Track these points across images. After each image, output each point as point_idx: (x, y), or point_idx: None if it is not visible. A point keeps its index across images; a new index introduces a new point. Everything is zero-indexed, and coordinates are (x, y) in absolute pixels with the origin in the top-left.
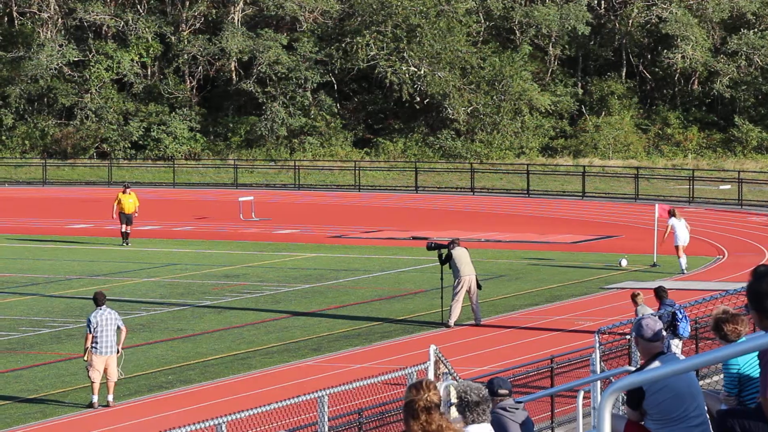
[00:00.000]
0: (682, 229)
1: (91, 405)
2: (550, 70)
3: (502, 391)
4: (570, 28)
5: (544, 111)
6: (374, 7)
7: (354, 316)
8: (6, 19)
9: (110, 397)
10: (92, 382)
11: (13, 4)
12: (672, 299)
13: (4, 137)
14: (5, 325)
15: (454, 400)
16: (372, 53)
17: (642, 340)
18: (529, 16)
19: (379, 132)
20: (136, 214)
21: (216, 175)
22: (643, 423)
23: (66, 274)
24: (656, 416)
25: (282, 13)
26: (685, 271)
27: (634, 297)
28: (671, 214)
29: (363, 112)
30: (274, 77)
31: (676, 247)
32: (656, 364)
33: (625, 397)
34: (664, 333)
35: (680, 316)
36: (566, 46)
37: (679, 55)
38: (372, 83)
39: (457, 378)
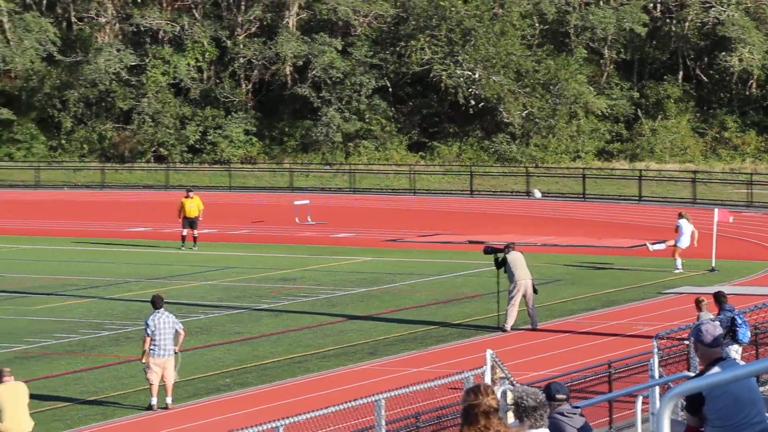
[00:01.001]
0: (687, 233)
1: (150, 407)
2: (606, 74)
3: (559, 396)
4: (626, 30)
5: (599, 114)
6: (428, 11)
7: (410, 319)
8: (65, 24)
9: (169, 400)
10: (150, 385)
11: (72, 10)
12: (731, 304)
13: (63, 141)
14: (66, 327)
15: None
16: (426, 57)
17: (701, 346)
18: (585, 19)
19: (434, 136)
20: (200, 218)
21: (272, 179)
22: (702, 429)
23: (125, 277)
24: (716, 422)
25: (335, 17)
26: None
27: (698, 302)
28: (681, 216)
29: (418, 116)
30: (328, 81)
31: (676, 247)
32: (716, 369)
33: (684, 403)
34: (724, 338)
35: (739, 322)
36: (622, 49)
37: (736, 58)
38: (427, 87)
39: (514, 382)
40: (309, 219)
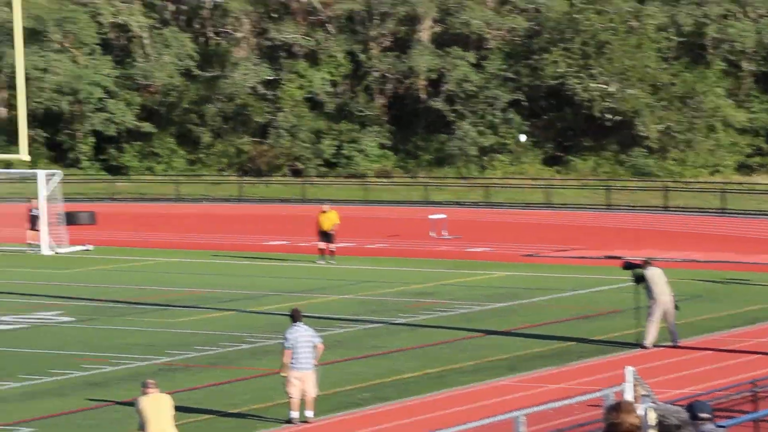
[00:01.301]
0: None
1: (289, 421)
2: (745, 86)
3: (703, 415)
4: (766, 43)
5: (739, 128)
6: (562, 24)
7: (547, 335)
8: (202, 39)
9: (310, 413)
10: (290, 398)
11: (209, 25)
12: None
13: (201, 155)
14: (206, 340)
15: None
16: (560, 70)
17: None
18: (723, 31)
19: (570, 149)
20: (332, 232)
21: (407, 193)
22: None
23: (264, 291)
24: None
25: (468, 31)
26: None
27: None
28: None
29: (553, 130)
30: (462, 95)
31: None
32: None
33: None
34: None
35: None
36: (762, 62)
37: None
38: (561, 100)
39: (656, 401)
40: (444, 233)
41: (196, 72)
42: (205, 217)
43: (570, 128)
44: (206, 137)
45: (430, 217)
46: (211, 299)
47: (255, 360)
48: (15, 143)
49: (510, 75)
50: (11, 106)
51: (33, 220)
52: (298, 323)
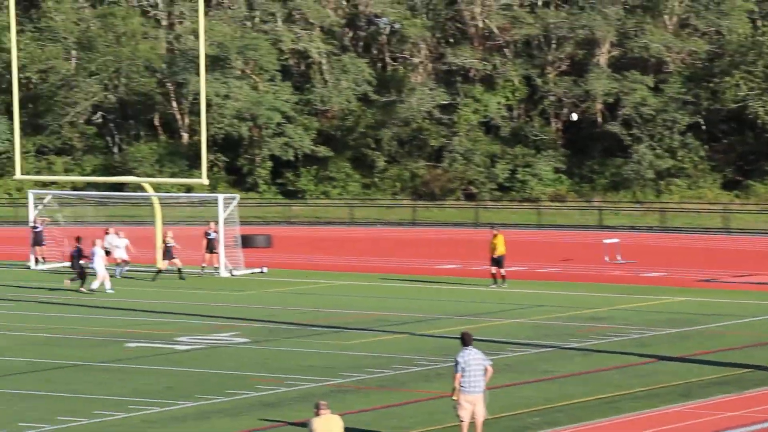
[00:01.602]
0: None
1: None
2: None
3: None
4: None
5: None
6: (744, 46)
7: (723, 362)
8: (379, 65)
9: None
10: (461, 422)
11: (387, 51)
12: None
13: (376, 179)
14: (378, 362)
15: None
16: (742, 93)
17: None
18: None
19: (750, 174)
20: (495, 256)
21: (581, 217)
22: None
23: (435, 314)
24: None
25: (647, 54)
26: None
27: None
28: None
29: (733, 154)
30: (639, 119)
31: None
32: None
33: None
34: None
35: None
36: None
37: None
38: (743, 124)
39: None
40: (618, 258)
41: (373, 97)
42: (379, 241)
43: (751, 152)
44: (381, 161)
45: (605, 241)
46: (383, 322)
47: (426, 383)
48: (196, 168)
49: (689, 98)
50: (193, 131)
51: (210, 243)
52: (468, 347)
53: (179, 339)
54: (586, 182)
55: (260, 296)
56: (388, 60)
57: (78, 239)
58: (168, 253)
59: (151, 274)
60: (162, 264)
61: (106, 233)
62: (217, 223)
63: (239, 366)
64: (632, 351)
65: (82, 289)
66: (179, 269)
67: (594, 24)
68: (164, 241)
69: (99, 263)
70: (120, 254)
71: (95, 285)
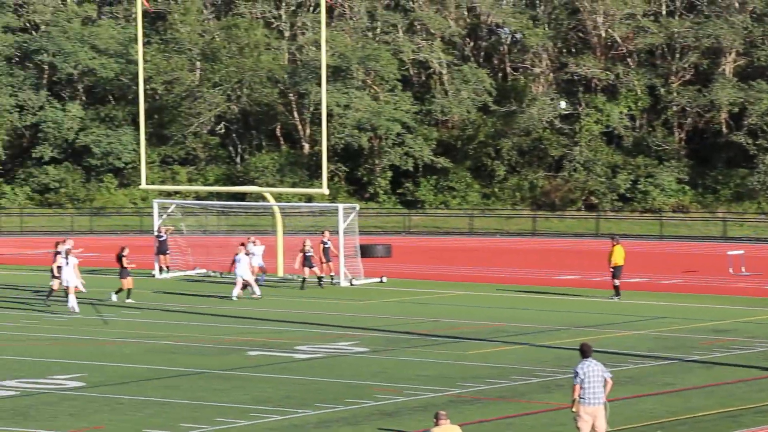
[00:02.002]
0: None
1: None
2: None
3: None
4: None
5: None
6: None
7: None
8: (500, 74)
9: None
10: None
11: (507, 61)
12: None
13: (496, 189)
14: (497, 373)
15: None
16: None
17: None
18: None
19: None
20: (612, 268)
21: (704, 228)
22: None
23: (554, 325)
24: None
25: None
26: None
27: None
28: None
29: None
30: (766, 128)
31: None
32: None
33: None
34: None
35: None
36: None
37: None
38: None
39: None
40: (743, 270)
41: (493, 107)
42: (498, 251)
43: None
44: (501, 171)
45: (729, 253)
46: (502, 332)
47: (545, 394)
48: (316, 178)
49: None
50: (314, 141)
51: (325, 252)
52: (588, 358)
53: (299, 348)
54: (710, 193)
55: (379, 306)
56: (508, 70)
57: (243, 245)
58: (307, 262)
59: (274, 283)
60: (306, 272)
61: (247, 242)
62: (331, 231)
63: (358, 375)
64: (756, 364)
65: (254, 295)
66: (320, 278)
67: (720, 33)
68: (303, 250)
69: (244, 269)
70: (256, 262)
71: (236, 292)
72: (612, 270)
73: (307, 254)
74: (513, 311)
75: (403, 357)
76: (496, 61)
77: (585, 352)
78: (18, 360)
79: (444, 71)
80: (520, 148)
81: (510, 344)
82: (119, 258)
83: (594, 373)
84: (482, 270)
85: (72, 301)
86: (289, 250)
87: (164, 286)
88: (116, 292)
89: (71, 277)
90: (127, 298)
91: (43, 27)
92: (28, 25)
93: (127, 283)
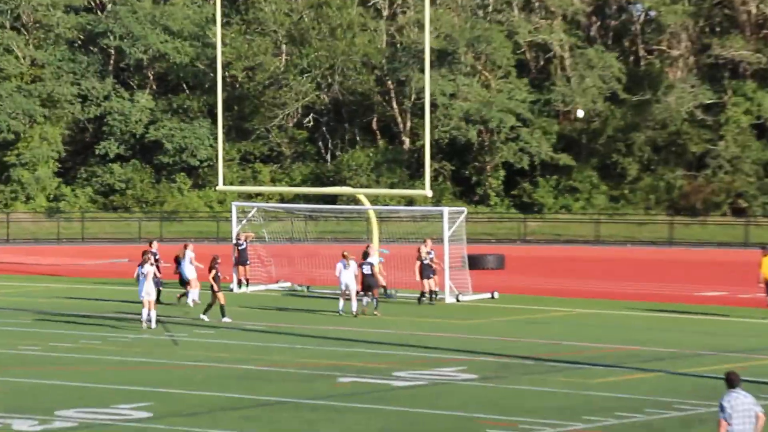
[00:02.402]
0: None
1: None
2: None
3: None
4: None
5: None
6: None
7: None
8: (632, 58)
9: None
10: None
11: (640, 42)
12: None
13: (626, 191)
14: (628, 405)
15: None
16: None
17: None
18: None
19: None
20: (765, 283)
21: None
22: None
23: (695, 349)
24: None
25: None
26: None
27: None
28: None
29: None
30: None
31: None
32: None
33: None
34: None
35: None
36: None
37: None
38: None
39: None
40: None
41: (624, 96)
42: (629, 263)
43: None
44: (632, 170)
45: None
46: (633, 357)
47: (684, 430)
48: (418, 177)
49: None
50: (415, 135)
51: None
52: (735, 389)
53: (397, 374)
54: None
55: (490, 325)
56: (641, 53)
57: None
58: (425, 272)
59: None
60: (426, 285)
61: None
62: (433, 239)
63: (465, 406)
64: None
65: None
66: (433, 292)
67: None
68: (420, 258)
69: (349, 277)
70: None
71: (342, 305)
72: (764, 285)
73: (424, 262)
74: (646, 333)
75: (519, 385)
76: (626, 43)
77: (732, 381)
78: (76, 387)
79: (566, 55)
80: (654, 144)
81: (643, 371)
82: (211, 269)
83: (743, 407)
84: (610, 285)
85: (146, 315)
86: (394, 260)
87: (243, 301)
88: (205, 311)
89: (151, 288)
90: (223, 316)
91: (109, 6)
92: (92, 4)
93: (221, 298)
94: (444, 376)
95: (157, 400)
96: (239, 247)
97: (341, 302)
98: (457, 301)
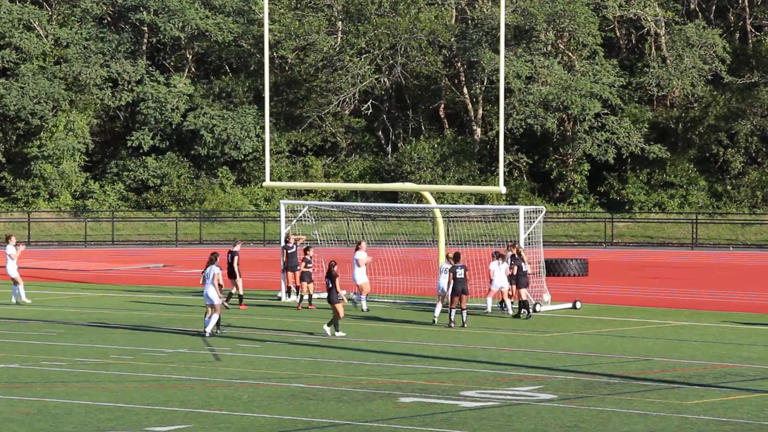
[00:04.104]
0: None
1: None
2: None
3: None
4: None
5: None
6: None
7: None
8: (738, 36)
9: None
10: None
11: (748, 17)
12: None
13: (729, 187)
14: (730, 429)
15: None
16: None
17: None
18: None
19: None
20: None
21: None
22: None
23: None
24: None
25: None
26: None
27: None
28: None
29: None
30: None
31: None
32: None
33: None
34: None
35: None
36: None
37: None
38: None
39: None
40: None
41: (728, 78)
42: (731, 269)
43: None
44: (737, 163)
45: None
46: (735, 376)
47: None
48: (490, 172)
49: None
50: (488, 124)
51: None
52: None
53: (465, 393)
54: None
55: (571, 339)
56: (749, 29)
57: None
58: (520, 279)
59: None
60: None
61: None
62: (512, 243)
63: (543, 430)
64: None
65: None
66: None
67: None
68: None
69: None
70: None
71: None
72: None
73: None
74: (749, 348)
75: (603, 407)
76: (732, 18)
77: None
78: (106, 407)
79: (661, 32)
80: (763, 133)
81: (745, 392)
82: (330, 274)
83: None
84: (709, 293)
85: (211, 322)
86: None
87: (293, 311)
88: (329, 323)
89: (213, 294)
90: (336, 330)
91: None
92: None
93: (339, 310)
94: (518, 395)
95: (197, 422)
96: (288, 251)
97: (437, 309)
98: (534, 311)
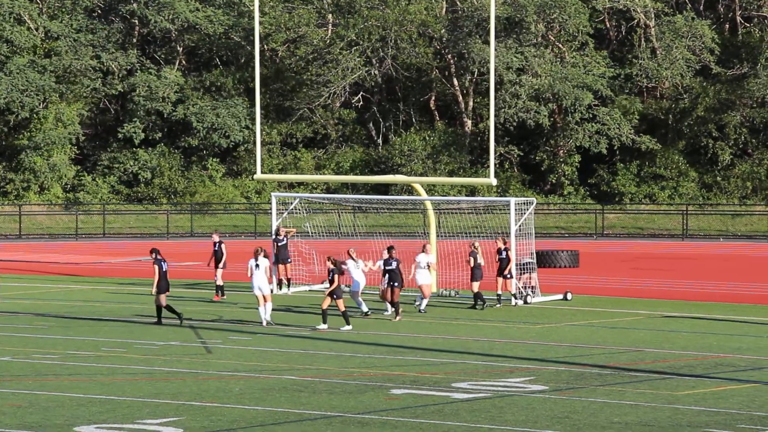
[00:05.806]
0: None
1: None
2: None
3: None
4: None
5: None
6: None
7: None
8: (727, 26)
9: None
10: None
11: (737, 8)
12: None
13: (719, 178)
14: (718, 420)
15: None
16: None
17: None
18: None
19: None
20: None
21: None
22: None
23: None
24: None
25: None
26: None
27: None
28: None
29: None
30: None
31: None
32: None
33: None
34: None
35: None
36: None
37: None
38: None
39: None
40: None
41: (716, 69)
42: (722, 260)
43: None
44: (726, 155)
45: None
46: (726, 367)
47: None
48: (481, 164)
49: None
50: (478, 116)
51: (501, 264)
52: None
53: (457, 385)
54: None
55: (563, 330)
56: (738, 20)
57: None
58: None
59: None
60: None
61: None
62: (504, 235)
63: (534, 421)
64: None
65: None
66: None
67: None
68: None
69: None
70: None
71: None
72: None
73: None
74: (740, 339)
75: (594, 398)
76: (721, 9)
77: None
78: (98, 400)
79: (651, 23)
80: (752, 125)
81: (736, 382)
82: (338, 270)
83: None
84: (700, 285)
85: (264, 312)
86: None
87: (284, 303)
88: (346, 322)
89: (263, 283)
90: (347, 324)
91: None
92: None
93: (340, 305)
94: (509, 387)
95: (188, 415)
96: (279, 243)
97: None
98: (525, 303)
